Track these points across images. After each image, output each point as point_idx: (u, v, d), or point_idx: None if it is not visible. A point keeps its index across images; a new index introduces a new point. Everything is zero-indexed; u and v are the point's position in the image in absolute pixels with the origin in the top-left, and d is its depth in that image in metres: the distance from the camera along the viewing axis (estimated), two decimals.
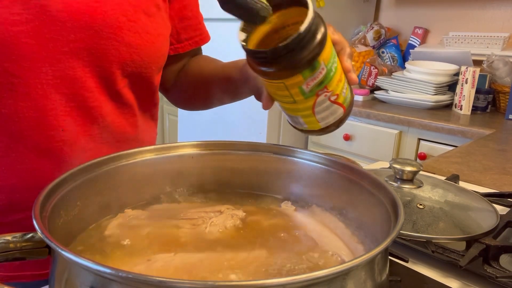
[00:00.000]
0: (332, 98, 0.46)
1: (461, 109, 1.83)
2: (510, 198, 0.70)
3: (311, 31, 0.40)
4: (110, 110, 0.60)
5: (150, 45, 0.61)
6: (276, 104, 0.50)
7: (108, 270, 0.27)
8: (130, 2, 0.57)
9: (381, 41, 2.26)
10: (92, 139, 0.59)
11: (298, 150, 0.54)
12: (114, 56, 0.57)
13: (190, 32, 0.74)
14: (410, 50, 2.18)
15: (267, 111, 1.96)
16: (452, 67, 1.92)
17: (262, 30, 0.44)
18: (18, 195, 0.56)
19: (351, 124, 1.92)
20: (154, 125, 0.74)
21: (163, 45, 0.66)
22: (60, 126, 0.55)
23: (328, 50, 0.43)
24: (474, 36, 2.00)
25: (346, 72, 0.48)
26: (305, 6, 0.41)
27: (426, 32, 2.22)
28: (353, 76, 0.49)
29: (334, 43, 0.47)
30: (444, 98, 1.91)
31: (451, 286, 0.50)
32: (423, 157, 1.69)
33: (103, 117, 0.59)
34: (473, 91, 1.80)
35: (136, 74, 0.61)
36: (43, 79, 0.53)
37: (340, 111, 0.48)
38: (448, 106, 1.94)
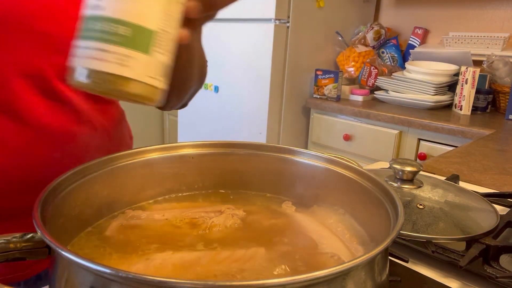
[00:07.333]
0: None
1: (461, 109, 1.83)
2: (510, 198, 0.70)
3: None
4: (44, 110, 0.53)
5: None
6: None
7: (108, 270, 0.27)
8: None
9: (381, 41, 2.26)
10: (28, 144, 0.52)
11: (298, 150, 0.54)
12: (33, 49, 0.49)
13: None
14: (410, 50, 2.18)
15: (267, 111, 1.97)
16: (452, 67, 1.92)
17: None
18: None
19: (351, 124, 1.92)
20: (116, 120, 0.64)
21: None
22: None
23: None
24: (474, 36, 2.00)
25: None
26: None
27: (426, 32, 2.22)
28: None
29: None
30: (444, 98, 1.91)
31: (451, 286, 0.49)
32: (423, 157, 1.69)
33: (37, 119, 0.52)
34: (473, 91, 1.80)
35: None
36: None
37: None
38: (448, 106, 1.94)
